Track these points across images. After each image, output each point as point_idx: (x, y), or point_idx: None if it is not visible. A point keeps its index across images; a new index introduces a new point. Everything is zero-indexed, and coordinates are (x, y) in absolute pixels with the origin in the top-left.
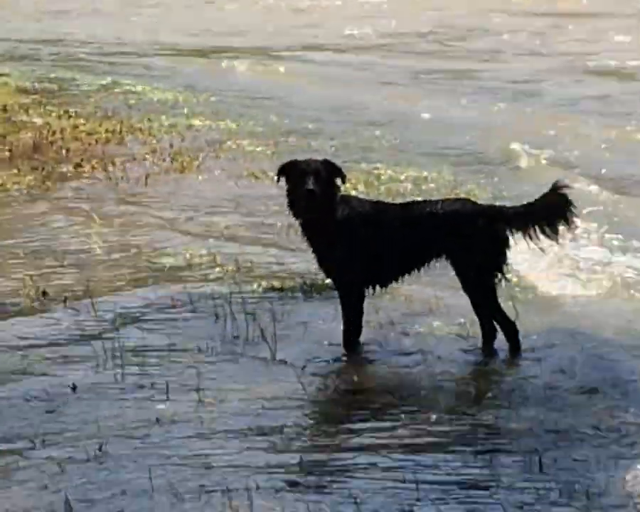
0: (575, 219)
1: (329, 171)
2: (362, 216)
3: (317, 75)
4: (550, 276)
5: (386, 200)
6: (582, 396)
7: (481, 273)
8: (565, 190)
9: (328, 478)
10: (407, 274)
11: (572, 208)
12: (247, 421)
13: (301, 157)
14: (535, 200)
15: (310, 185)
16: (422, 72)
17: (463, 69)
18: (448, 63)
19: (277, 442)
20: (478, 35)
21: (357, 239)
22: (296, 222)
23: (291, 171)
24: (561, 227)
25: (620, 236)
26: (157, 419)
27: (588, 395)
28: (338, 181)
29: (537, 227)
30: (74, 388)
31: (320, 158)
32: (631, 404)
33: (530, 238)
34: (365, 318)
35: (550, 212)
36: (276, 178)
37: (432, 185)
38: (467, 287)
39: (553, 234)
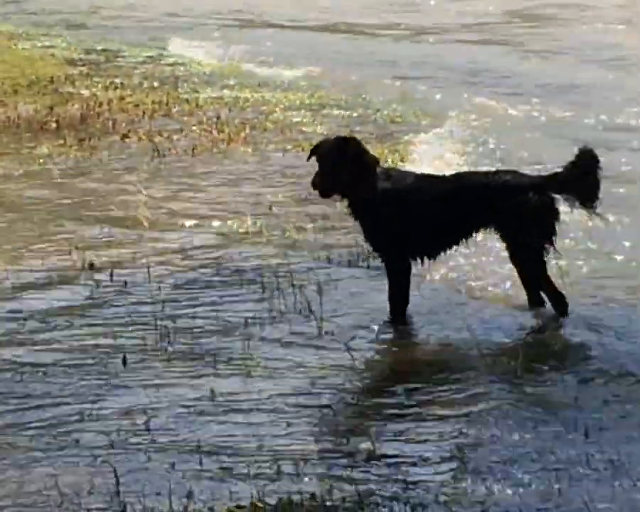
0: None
1: (347, 150)
2: (405, 189)
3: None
4: None
5: (433, 173)
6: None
7: (532, 245)
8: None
9: (378, 452)
10: (453, 246)
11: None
12: (295, 396)
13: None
14: (572, 165)
15: (314, 177)
16: None
17: None
18: None
19: (324, 418)
20: None
21: (400, 212)
22: None
23: (316, 153)
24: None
25: None
26: (209, 392)
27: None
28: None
29: (588, 194)
30: (124, 361)
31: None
32: None
33: (584, 204)
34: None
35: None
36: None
37: None
38: (517, 259)
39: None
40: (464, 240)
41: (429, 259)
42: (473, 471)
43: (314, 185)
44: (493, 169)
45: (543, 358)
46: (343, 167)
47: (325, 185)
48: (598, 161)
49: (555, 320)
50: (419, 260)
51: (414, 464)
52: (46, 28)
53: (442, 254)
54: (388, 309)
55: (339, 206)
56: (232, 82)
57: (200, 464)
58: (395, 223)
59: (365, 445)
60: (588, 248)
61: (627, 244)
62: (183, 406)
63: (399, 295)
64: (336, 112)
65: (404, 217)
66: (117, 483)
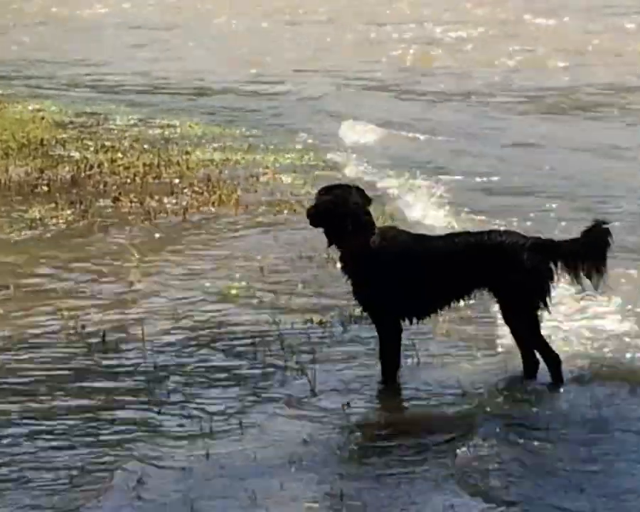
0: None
1: (348, 200)
2: (398, 247)
3: None
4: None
5: (428, 234)
6: (624, 430)
7: (526, 306)
8: (607, 227)
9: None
10: (446, 307)
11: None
12: (288, 456)
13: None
14: (583, 236)
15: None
16: None
17: None
18: None
19: (319, 475)
20: None
21: (392, 271)
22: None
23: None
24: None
25: None
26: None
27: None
28: (367, 208)
29: (585, 266)
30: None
31: (354, 185)
32: None
33: (577, 277)
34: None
35: (598, 251)
36: None
37: None
38: (511, 320)
39: (598, 275)
40: (457, 301)
41: (419, 320)
42: None
43: (309, 215)
44: (488, 229)
45: (539, 421)
46: (344, 217)
47: (317, 220)
48: (609, 235)
49: (550, 382)
50: (409, 320)
51: None
52: (36, 90)
53: (434, 314)
54: (380, 370)
55: (330, 268)
56: (222, 144)
57: None
58: (387, 282)
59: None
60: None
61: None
62: (177, 468)
63: (390, 355)
64: (326, 172)
65: (396, 277)
66: None
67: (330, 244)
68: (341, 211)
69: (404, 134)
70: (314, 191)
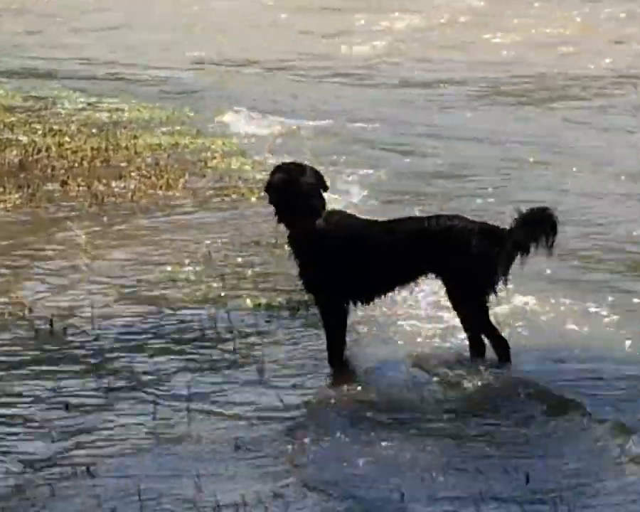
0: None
1: (287, 180)
2: (344, 231)
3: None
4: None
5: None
6: (569, 412)
7: (473, 292)
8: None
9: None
10: (391, 291)
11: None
12: (234, 439)
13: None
14: (524, 217)
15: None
16: None
17: None
18: None
19: (265, 459)
20: None
21: (337, 254)
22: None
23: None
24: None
25: None
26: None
27: (574, 410)
28: (310, 189)
29: (533, 244)
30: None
31: (310, 166)
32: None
33: (526, 255)
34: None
35: (541, 228)
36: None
37: None
38: (458, 305)
39: (549, 249)
40: (403, 285)
41: (364, 304)
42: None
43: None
44: (436, 214)
45: (486, 398)
46: (294, 197)
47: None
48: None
49: (497, 364)
50: (353, 304)
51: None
52: None
53: (378, 298)
54: (327, 354)
55: (278, 252)
56: (170, 128)
57: (140, 499)
58: (331, 265)
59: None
60: None
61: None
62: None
63: (335, 338)
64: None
65: (341, 260)
66: None
67: (279, 221)
68: (292, 191)
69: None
70: (262, 176)
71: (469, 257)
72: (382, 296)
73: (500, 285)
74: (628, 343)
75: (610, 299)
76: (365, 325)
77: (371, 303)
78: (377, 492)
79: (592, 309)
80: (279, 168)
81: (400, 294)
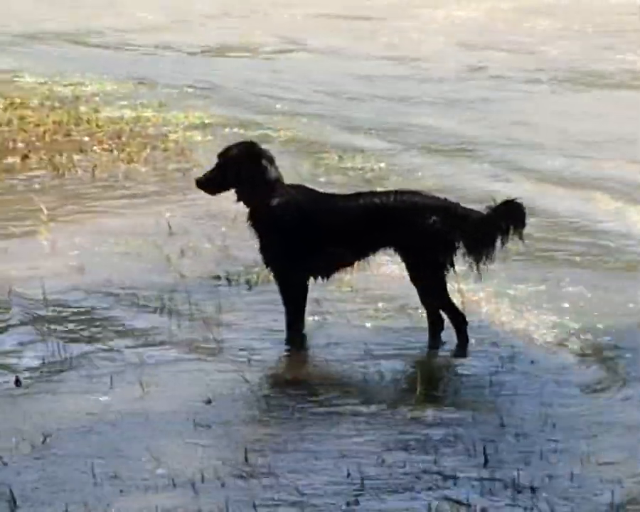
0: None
1: (244, 157)
2: (300, 205)
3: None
4: None
5: (335, 192)
6: (530, 388)
7: (432, 266)
8: (520, 201)
9: (273, 472)
10: (351, 266)
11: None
12: (191, 415)
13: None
14: (492, 207)
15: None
16: None
17: None
18: None
19: (222, 435)
20: None
21: (295, 229)
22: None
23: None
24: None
25: None
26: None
27: (533, 386)
28: (267, 165)
29: (493, 234)
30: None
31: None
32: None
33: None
34: (309, 308)
35: (508, 220)
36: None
37: None
38: (417, 280)
39: (503, 243)
40: (362, 259)
41: (325, 278)
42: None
43: (199, 183)
44: (397, 189)
45: (441, 381)
46: (249, 172)
47: (214, 183)
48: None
49: (455, 340)
50: (314, 279)
51: (312, 481)
52: None
53: (339, 272)
54: (285, 327)
55: (237, 226)
56: (133, 102)
57: (94, 476)
58: (289, 240)
59: (263, 460)
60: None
61: None
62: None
63: (294, 314)
64: (236, 130)
65: (298, 235)
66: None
67: (238, 199)
68: (249, 167)
69: None
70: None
71: (425, 232)
72: (342, 271)
73: (473, 264)
74: None
75: None
76: (324, 302)
77: (331, 277)
78: (336, 472)
79: None
80: (231, 147)
81: (360, 269)
